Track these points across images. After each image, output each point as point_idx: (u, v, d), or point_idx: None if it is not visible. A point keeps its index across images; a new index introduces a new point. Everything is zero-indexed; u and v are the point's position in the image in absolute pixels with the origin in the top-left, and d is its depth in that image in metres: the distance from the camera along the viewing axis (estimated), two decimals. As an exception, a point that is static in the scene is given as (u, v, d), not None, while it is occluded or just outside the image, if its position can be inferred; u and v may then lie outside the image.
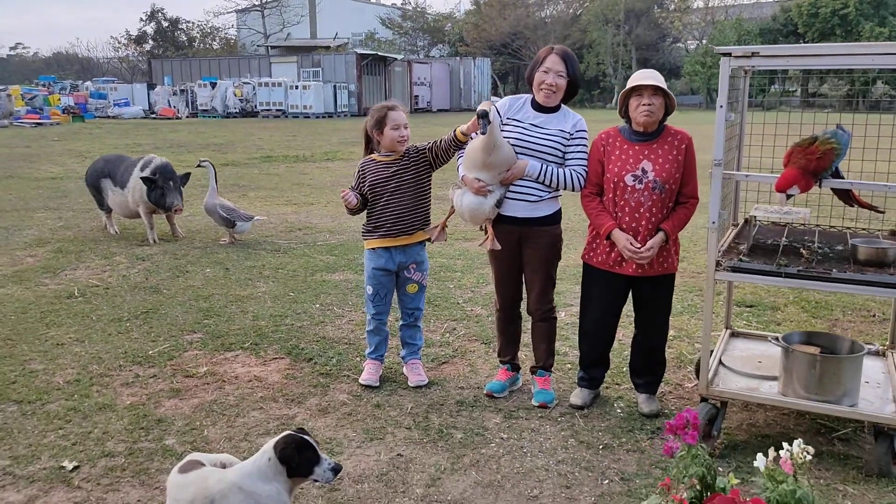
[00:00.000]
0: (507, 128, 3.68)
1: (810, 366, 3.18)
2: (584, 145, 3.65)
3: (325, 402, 3.84)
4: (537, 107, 3.68)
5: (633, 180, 3.45)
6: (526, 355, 4.25)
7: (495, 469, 3.21)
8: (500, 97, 3.72)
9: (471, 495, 3.01)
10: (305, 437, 2.60)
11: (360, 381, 4.02)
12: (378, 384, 4.00)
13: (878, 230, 3.71)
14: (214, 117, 33.01)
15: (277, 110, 33.31)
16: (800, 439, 2.00)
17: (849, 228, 3.79)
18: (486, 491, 3.04)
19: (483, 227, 3.79)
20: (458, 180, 3.70)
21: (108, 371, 4.22)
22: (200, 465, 2.73)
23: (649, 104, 3.38)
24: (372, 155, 3.95)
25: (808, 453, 1.95)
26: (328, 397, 3.90)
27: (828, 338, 3.42)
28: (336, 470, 2.53)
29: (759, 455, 2.05)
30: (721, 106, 3.04)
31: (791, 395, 3.24)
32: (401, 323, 4.12)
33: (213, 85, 34.47)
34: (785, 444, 2.02)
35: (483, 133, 3.41)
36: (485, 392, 3.91)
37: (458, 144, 3.73)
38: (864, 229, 3.75)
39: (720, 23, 46.67)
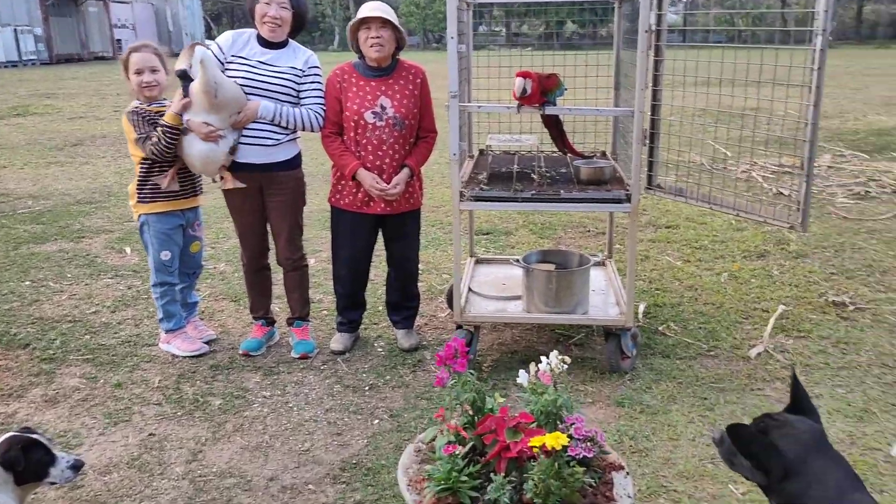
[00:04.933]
0: (231, 67, 3.39)
1: (547, 282, 3.44)
2: (319, 83, 3.49)
3: (52, 392, 3.34)
4: (264, 42, 3.43)
5: (374, 117, 3.38)
6: (280, 308, 4.09)
7: (262, 430, 3.06)
8: (210, 41, 3.43)
9: (238, 462, 2.83)
10: (33, 435, 2.22)
11: (183, 354, 3.65)
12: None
13: (592, 152, 4.09)
14: None
15: (-57, 59, 27.98)
16: (556, 351, 2.14)
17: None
18: (255, 454, 2.88)
19: (220, 177, 3.49)
20: (183, 126, 3.35)
21: None
22: None
23: (378, 37, 3.32)
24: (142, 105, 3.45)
25: (564, 363, 2.09)
26: (55, 385, 3.40)
27: (560, 254, 3.73)
28: (76, 467, 2.20)
29: (521, 371, 2.15)
30: (452, 38, 3.06)
31: (534, 311, 3.49)
32: (181, 285, 3.75)
33: None
34: (543, 358, 2.14)
35: (186, 96, 3.24)
36: (240, 352, 3.69)
37: (176, 130, 3.33)
38: (580, 153, 4.10)
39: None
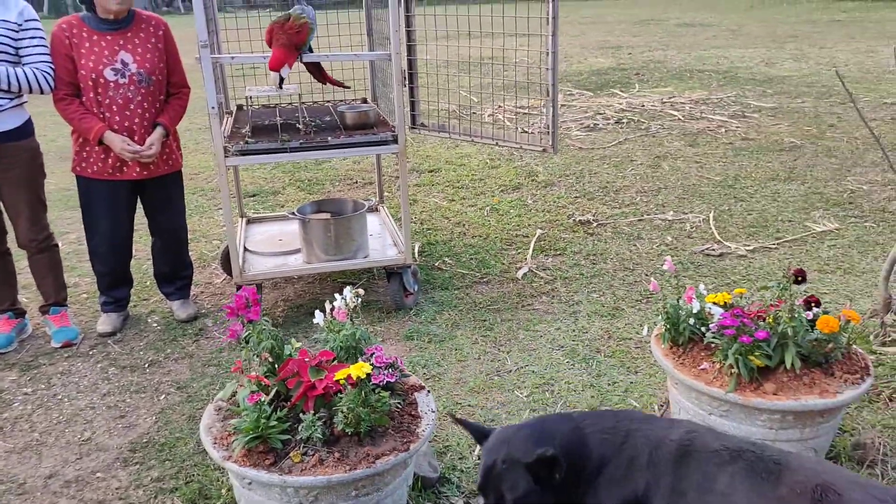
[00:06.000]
0: (-74, 23, 2.89)
1: (325, 230, 3.44)
2: (42, 37, 3.10)
3: None
4: (-36, -7, 2.96)
5: (115, 74, 3.09)
6: (29, 297, 3.65)
7: (28, 429, 2.75)
8: None
9: (5, 466, 2.53)
10: None
11: None
12: None
13: (353, 99, 4.11)
14: None
15: None
16: (349, 286, 2.17)
17: (329, 101, 4.11)
18: (25, 455, 2.59)
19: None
20: None
21: None
22: None
23: None
24: None
25: (358, 296, 2.13)
26: None
27: (335, 203, 3.74)
28: None
29: (317, 312, 2.16)
30: (196, -18, 2.88)
31: (315, 262, 3.49)
32: None
33: None
34: (337, 295, 2.16)
35: None
36: (-14, 351, 3.26)
37: None
38: (341, 101, 4.11)
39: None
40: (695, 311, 2.33)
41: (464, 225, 4.78)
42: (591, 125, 7.49)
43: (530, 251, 4.26)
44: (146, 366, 3.17)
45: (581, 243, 4.40)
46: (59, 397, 2.94)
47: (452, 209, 5.09)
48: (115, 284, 3.48)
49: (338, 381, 1.89)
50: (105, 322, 3.44)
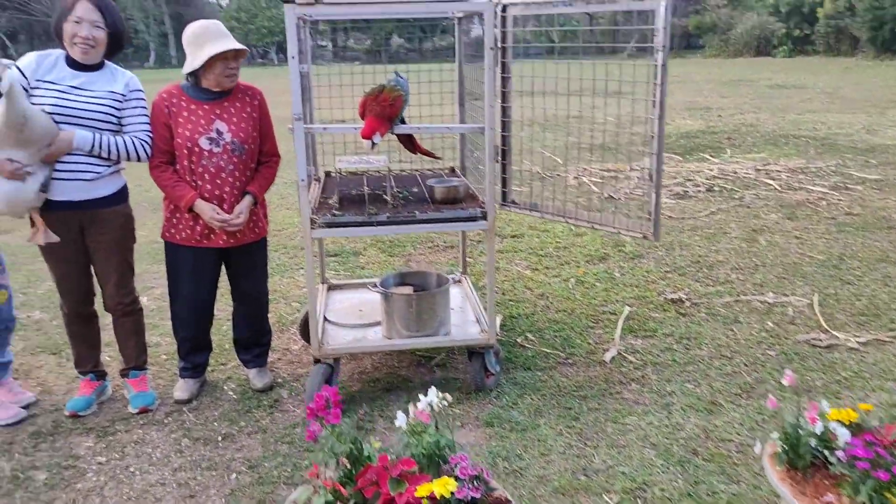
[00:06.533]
0: (37, 93, 2.97)
1: (407, 305, 3.33)
2: (144, 107, 3.16)
3: None
4: (74, 65, 3.04)
5: (210, 143, 3.11)
6: (110, 356, 3.67)
7: (99, 503, 2.69)
8: (12, 60, 3.00)
9: (75, 545, 2.47)
10: None
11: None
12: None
13: (441, 169, 4.04)
14: None
15: None
16: (434, 388, 2.03)
17: (417, 170, 4.05)
18: (95, 533, 2.53)
19: (29, 218, 3.05)
20: None
21: None
22: None
23: (235, 67, 3.12)
24: None
25: (445, 401, 1.98)
26: None
27: (418, 276, 3.63)
28: None
29: (399, 413, 2.02)
30: (293, 57, 2.87)
31: (396, 337, 3.37)
32: None
33: None
34: (421, 396, 2.02)
35: None
36: (67, 413, 3.25)
37: None
38: (429, 170, 4.04)
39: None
40: (818, 432, 2.08)
41: (547, 297, 4.60)
42: (681, 192, 7.23)
43: (618, 331, 4.04)
44: (219, 439, 3.10)
45: (673, 324, 4.14)
46: (132, 469, 2.89)
47: (535, 279, 4.92)
48: (194, 350, 3.45)
49: (420, 497, 1.73)
50: (182, 388, 3.41)
